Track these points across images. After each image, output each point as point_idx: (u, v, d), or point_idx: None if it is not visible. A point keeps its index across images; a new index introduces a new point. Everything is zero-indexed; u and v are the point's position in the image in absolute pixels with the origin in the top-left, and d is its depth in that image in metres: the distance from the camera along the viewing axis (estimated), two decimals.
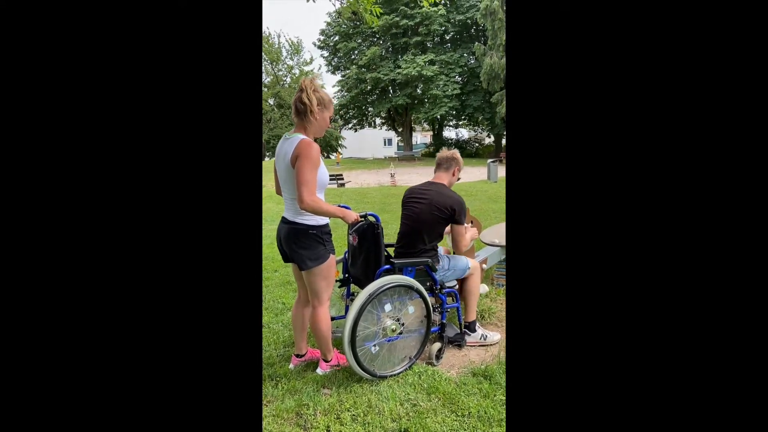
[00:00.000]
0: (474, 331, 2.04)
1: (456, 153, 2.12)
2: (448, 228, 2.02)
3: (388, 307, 1.70)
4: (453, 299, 2.06)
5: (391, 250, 2.08)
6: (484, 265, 2.38)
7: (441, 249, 2.16)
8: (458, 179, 2.14)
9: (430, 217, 1.94)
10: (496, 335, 2.06)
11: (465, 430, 1.37)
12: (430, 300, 1.86)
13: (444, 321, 1.99)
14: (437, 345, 1.87)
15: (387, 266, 1.79)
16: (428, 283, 1.92)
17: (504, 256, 2.72)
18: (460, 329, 2.03)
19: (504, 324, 2.24)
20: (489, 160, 12.04)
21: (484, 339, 2.02)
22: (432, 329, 1.88)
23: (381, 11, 3.85)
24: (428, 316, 1.80)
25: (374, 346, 1.66)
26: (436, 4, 20.05)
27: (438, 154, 2.13)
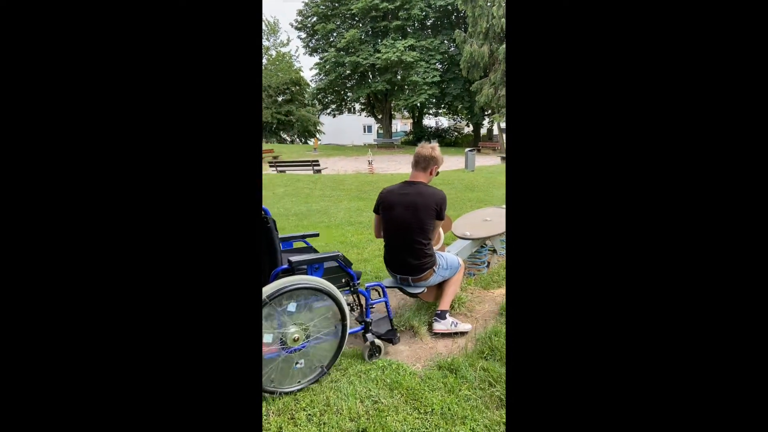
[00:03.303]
0: (444, 318, 2.00)
1: (436, 150, 1.97)
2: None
3: (290, 311, 1.47)
4: (379, 294, 1.94)
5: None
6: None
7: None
8: (437, 174, 2.04)
9: (417, 221, 1.86)
10: (467, 326, 2.02)
11: (427, 428, 1.32)
12: (347, 298, 1.72)
13: (369, 319, 1.77)
14: (366, 346, 1.71)
15: (284, 266, 1.56)
16: (344, 279, 1.73)
17: (475, 250, 2.68)
18: (391, 325, 1.89)
19: (472, 314, 2.20)
20: (467, 150, 12.07)
21: (455, 326, 1.98)
22: (353, 330, 1.71)
23: None
24: (343, 318, 1.57)
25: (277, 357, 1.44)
26: None
27: (417, 150, 1.98)
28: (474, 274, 2.71)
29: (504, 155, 14.26)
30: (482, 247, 2.77)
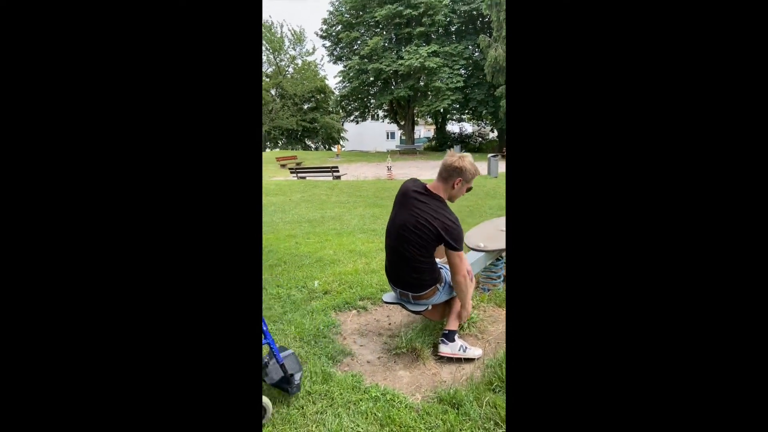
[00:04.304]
0: (452, 340, 1.78)
1: (464, 161, 1.64)
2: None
3: None
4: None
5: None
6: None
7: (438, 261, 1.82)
8: (468, 190, 1.73)
9: (418, 236, 1.62)
10: (477, 351, 1.79)
11: None
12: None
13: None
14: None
15: None
16: None
17: (489, 262, 2.45)
18: (284, 371, 1.40)
19: (484, 336, 1.98)
20: (490, 155, 11.72)
21: (464, 351, 1.76)
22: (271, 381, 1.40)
23: None
24: None
25: None
26: None
27: (443, 159, 1.68)
28: (488, 290, 2.48)
29: None
30: (498, 259, 2.54)
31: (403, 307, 1.84)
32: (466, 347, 1.78)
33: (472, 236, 2.54)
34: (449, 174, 1.66)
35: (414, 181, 1.76)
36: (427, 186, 1.71)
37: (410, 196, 1.69)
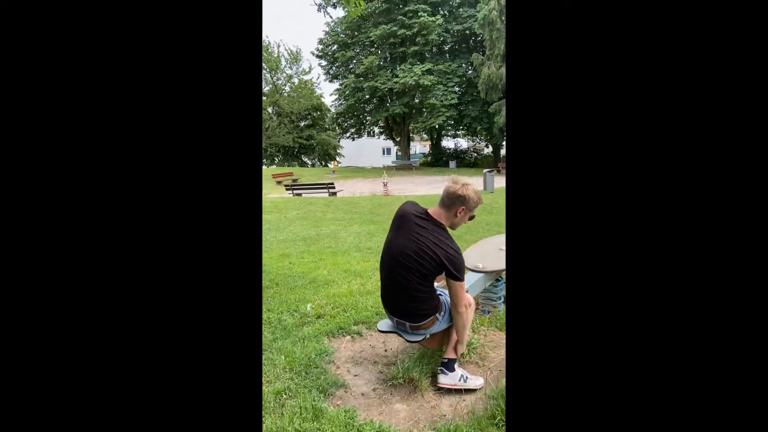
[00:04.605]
0: (452, 370, 1.67)
1: (467, 189, 1.56)
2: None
3: None
4: None
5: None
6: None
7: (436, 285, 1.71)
8: (471, 218, 1.65)
9: (418, 264, 1.53)
10: (479, 380, 1.68)
11: None
12: None
13: None
14: None
15: None
16: None
17: (489, 283, 2.36)
18: None
19: (485, 363, 1.88)
20: (485, 171, 11.77)
21: (464, 381, 1.65)
22: None
23: (364, 4, 3.61)
24: None
25: None
26: (434, 14, 20.05)
27: (446, 186, 1.60)
28: (489, 312, 2.38)
29: None
30: (497, 280, 2.45)
31: (399, 335, 1.74)
32: (466, 377, 1.67)
33: (470, 256, 2.46)
34: (452, 202, 1.58)
35: (413, 204, 1.68)
36: (428, 211, 1.62)
37: (410, 220, 1.60)
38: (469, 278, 2.26)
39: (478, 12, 17.34)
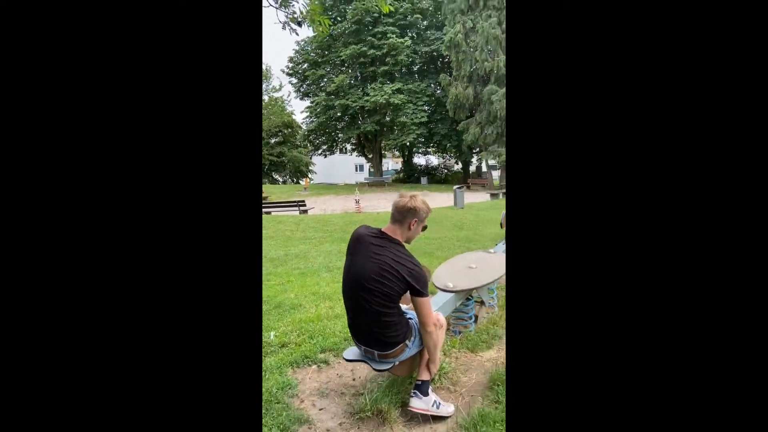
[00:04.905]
0: (426, 394, 1.59)
1: (416, 200, 1.56)
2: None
3: None
4: None
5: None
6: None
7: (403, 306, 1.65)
8: (423, 229, 1.62)
9: (380, 285, 1.46)
10: (450, 407, 1.61)
11: None
12: None
13: None
14: None
15: None
16: None
17: (459, 303, 2.33)
18: None
19: (456, 389, 1.81)
20: (455, 187, 11.99)
21: (437, 407, 1.57)
22: None
23: (330, 22, 3.63)
24: None
25: None
26: (402, 36, 20.66)
27: (394, 201, 1.61)
28: (460, 332, 2.34)
29: (493, 192, 14.22)
30: (468, 299, 2.42)
31: (367, 364, 1.65)
32: (439, 403, 1.60)
33: (439, 275, 2.42)
34: (404, 216, 1.56)
35: (366, 227, 1.63)
36: (382, 230, 1.58)
37: (366, 242, 1.55)
38: (439, 298, 2.21)
39: (445, 35, 18.04)
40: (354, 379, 1.92)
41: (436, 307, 2.08)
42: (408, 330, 1.57)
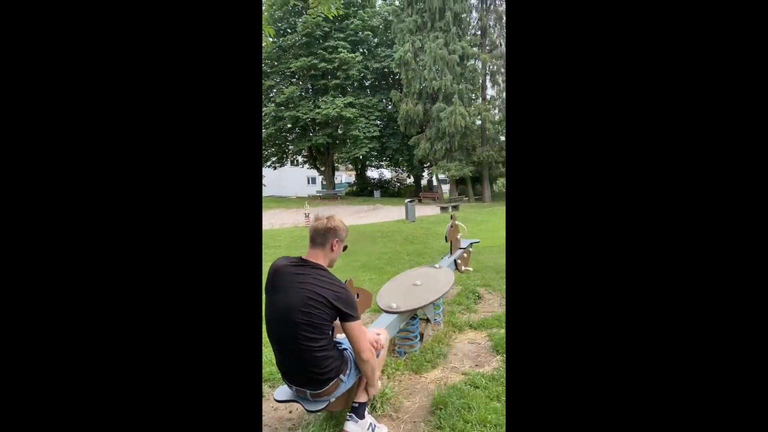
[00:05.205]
0: (362, 417, 1.51)
1: (333, 221, 1.53)
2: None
3: None
4: None
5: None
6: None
7: (339, 336, 1.56)
8: (344, 249, 1.58)
9: (306, 315, 1.36)
10: (383, 429, 1.55)
11: None
12: None
13: None
14: None
15: None
16: None
17: (404, 323, 2.28)
18: None
19: (399, 415, 1.74)
20: (406, 200, 12.18)
21: (372, 431, 1.50)
22: None
23: (273, 32, 3.57)
24: None
25: None
26: (353, 51, 20.91)
27: (311, 225, 1.56)
28: (405, 353, 2.29)
29: (443, 205, 14.65)
30: (413, 317, 2.39)
31: (300, 404, 1.52)
32: (375, 426, 1.53)
33: (383, 296, 2.37)
34: (325, 237, 1.51)
35: (285, 257, 1.55)
36: (302, 257, 1.51)
37: (287, 273, 1.45)
38: (383, 320, 2.15)
39: (395, 52, 18.57)
40: (290, 412, 1.78)
41: (382, 326, 2.02)
42: (342, 363, 1.47)
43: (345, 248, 1.59)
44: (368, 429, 1.50)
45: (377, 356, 1.57)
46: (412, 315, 2.37)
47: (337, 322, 1.44)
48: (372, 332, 1.65)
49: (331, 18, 3.93)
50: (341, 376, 1.46)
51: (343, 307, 1.39)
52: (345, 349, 1.53)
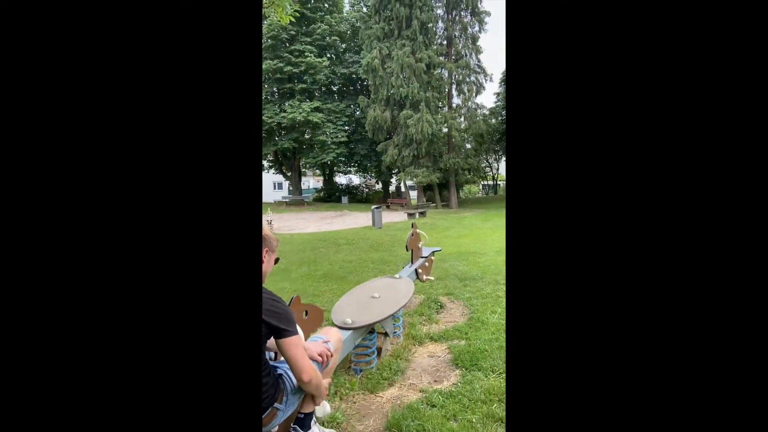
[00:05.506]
0: (308, 428, 1.40)
1: (264, 229, 1.36)
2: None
3: None
4: None
5: None
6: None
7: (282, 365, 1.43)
8: (276, 261, 1.43)
9: None
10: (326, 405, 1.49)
11: None
12: None
13: None
14: None
15: None
16: None
17: (360, 339, 2.17)
18: None
19: None
20: (373, 207, 12.11)
21: None
22: None
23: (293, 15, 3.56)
24: None
25: None
26: (320, 55, 20.73)
27: None
28: (361, 371, 2.18)
29: (410, 211, 14.72)
30: (371, 332, 2.29)
31: None
32: None
33: (338, 311, 2.25)
34: None
35: None
36: None
37: None
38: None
39: (362, 58, 18.59)
40: None
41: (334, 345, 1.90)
42: (278, 390, 1.33)
43: (277, 260, 1.44)
44: None
45: (326, 366, 1.47)
46: (370, 330, 2.27)
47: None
48: (317, 342, 1.53)
49: (289, 23, 3.87)
50: (276, 404, 1.32)
51: (276, 322, 1.22)
52: (281, 374, 1.39)
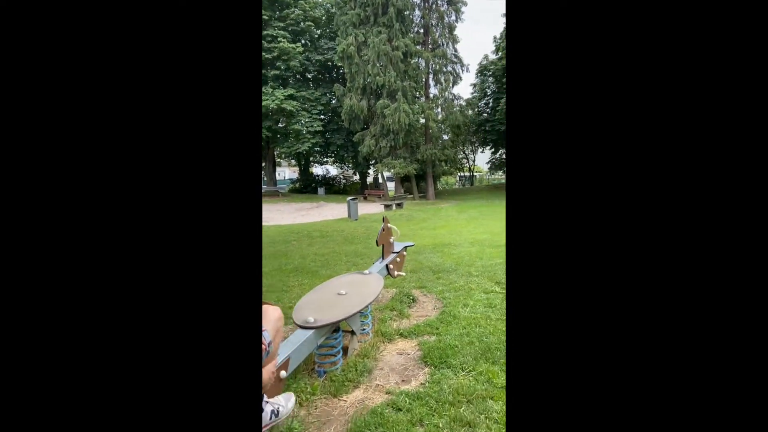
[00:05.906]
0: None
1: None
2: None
3: None
4: None
5: None
6: (283, 372, 1.62)
7: None
8: None
9: None
10: (290, 398, 1.47)
11: None
12: None
13: None
14: None
15: None
16: None
17: (323, 339, 2.04)
18: None
19: None
20: (349, 198, 11.92)
21: (276, 417, 1.37)
22: None
23: None
24: None
25: None
26: (294, 41, 20.04)
27: None
28: (324, 372, 2.04)
29: (386, 203, 14.61)
30: (336, 331, 2.15)
31: None
32: (278, 409, 1.40)
33: (300, 309, 2.10)
34: None
35: None
36: None
37: None
38: (296, 338, 1.89)
39: (338, 45, 18.11)
40: None
41: (291, 350, 1.76)
42: None
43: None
44: (271, 417, 1.39)
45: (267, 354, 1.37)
46: (335, 328, 2.14)
47: None
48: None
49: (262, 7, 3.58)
50: None
51: None
52: None
